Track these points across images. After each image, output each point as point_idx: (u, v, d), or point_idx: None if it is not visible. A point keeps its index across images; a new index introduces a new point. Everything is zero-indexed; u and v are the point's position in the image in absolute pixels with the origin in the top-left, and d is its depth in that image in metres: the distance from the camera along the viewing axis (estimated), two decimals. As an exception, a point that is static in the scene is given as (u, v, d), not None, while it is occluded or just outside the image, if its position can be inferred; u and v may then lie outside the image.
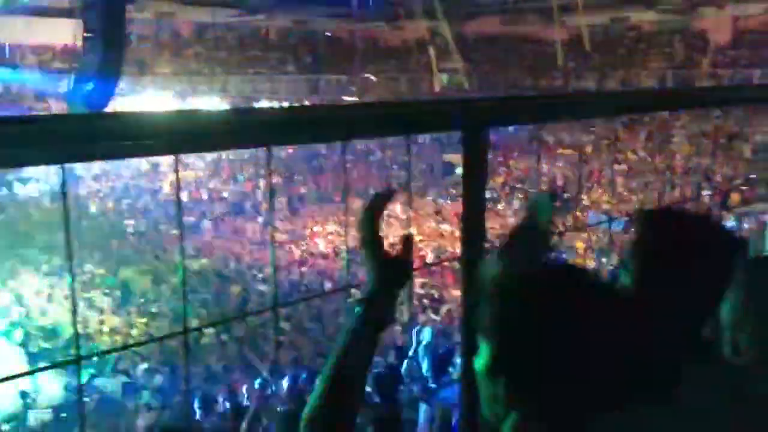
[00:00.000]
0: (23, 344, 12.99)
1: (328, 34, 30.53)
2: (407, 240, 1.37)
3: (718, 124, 20.66)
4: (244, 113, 1.39)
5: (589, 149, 22.91)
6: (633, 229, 1.52)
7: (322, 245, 19.20)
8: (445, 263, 15.31)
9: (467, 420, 1.62)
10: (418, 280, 15.21)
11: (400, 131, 1.55)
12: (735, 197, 17.21)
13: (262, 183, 23.31)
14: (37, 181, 20.92)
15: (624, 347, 1.05)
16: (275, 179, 22.99)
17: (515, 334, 1.06)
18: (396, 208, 21.73)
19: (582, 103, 1.96)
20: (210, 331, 12.16)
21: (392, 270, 1.33)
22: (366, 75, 25.65)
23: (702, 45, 25.53)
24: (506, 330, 1.07)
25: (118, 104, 19.20)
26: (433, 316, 13.68)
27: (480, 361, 1.11)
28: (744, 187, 17.55)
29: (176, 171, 1.17)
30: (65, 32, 17.29)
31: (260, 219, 21.18)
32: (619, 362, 1.05)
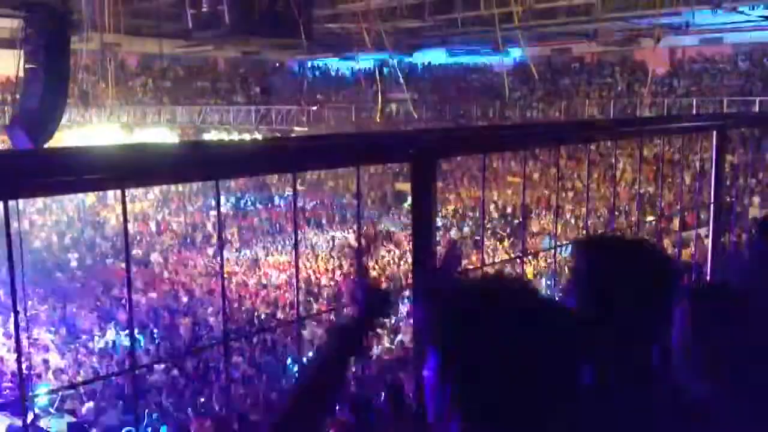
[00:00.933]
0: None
1: (278, 64, 30.62)
2: (395, 286, 1.43)
3: (658, 152, 21.35)
4: (193, 147, 1.39)
5: (536, 176, 23.39)
6: (573, 258, 1.55)
7: (274, 276, 19.00)
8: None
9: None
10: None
11: (350, 162, 1.57)
12: (677, 223, 17.70)
13: (212, 213, 23.05)
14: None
15: (556, 352, 1.10)
16: (225, 210, 22.75)
17: (457, 341, 1.11)
18: (347, 235, 21.80)
19: (526, 134, 2.02)
20: (160, 366, 11.86)
21: (378, 300, 1.43)
22: (316, 105, 25.75)
23: (642, 75, 26.48)
24: (448, 337, 1.12)
25: (64, 136, 18.82)
26: (388, 345, 13.64)
27: (426, 371, 1.16)
28: (686, 213, 18.08)
29: (123, 204, 1.16)
30: (6, 64, 16.88)
31: (210, 251, 20.88)
32: (554, 366, 1.10)
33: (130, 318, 1.59)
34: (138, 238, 20.81)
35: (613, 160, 18.67)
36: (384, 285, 1.48)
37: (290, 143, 1.46)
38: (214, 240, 21.41)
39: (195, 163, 1.31)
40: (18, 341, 1.24)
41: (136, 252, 19.72)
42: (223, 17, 16.98)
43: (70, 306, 16.28)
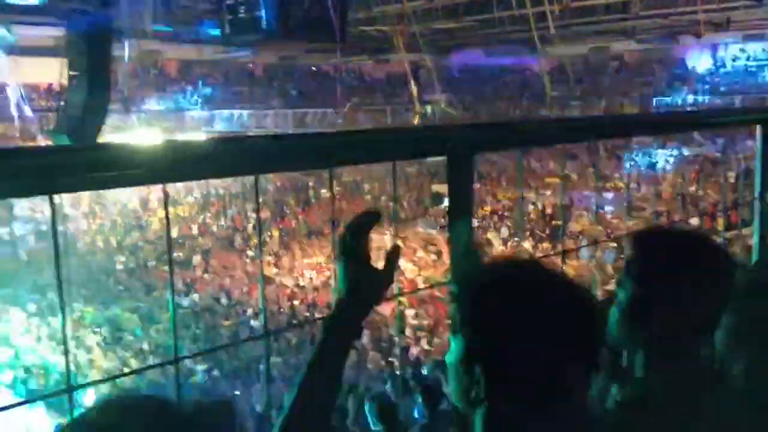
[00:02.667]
0: (12, 386, 12.80)
1: (314, 68, 30.82)
2: (392, 252, 1.39)
3: (702, 151, 20.96)
4: (232, 142, 1.41)
5: (575, 177, 23.08)
6: (627, 250, 1.55)
7: (312, 278, 19.12)
8: (439, 294, 15.26)
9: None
10: (410, 311, 15.15)
11: (385, 157, 1.57)
12: (720, 222, 17.31)
13: (251, 216, 23.29)
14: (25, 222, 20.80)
15: (579, 331, 1.13)
16: (264, 214, 22.96)
17: (483, 325, 1.14)
18: (384, 239, 21.71)
19: (565, 128, 1.99)
20: (201, 367, 12.04)
21: (366, 283, 1.34)
22: (352, 108, 25.87)
23: (683, 73, 25.96)
24: (475, 322, 1.15)
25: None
26: (426, 346, 13.61)
27: (452, 356, 1.19)
28: (729, 212, 17.66)
29: (165, 199, 1.17)
30: (51, 71, 17.34)
31: (250, 253, 21.11)
32: (580, 351, 1.13)
33: (173, 313, 1.60)
34: (179, 240, 21.13)
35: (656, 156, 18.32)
36: (378, 265, 1.35)
37: (327, 138, 1.47)
38: (254, 242, 21.63)
39: (234, 158, 1.33)
40: (65, 341, 1.26)
41: (177, 254, 20.03)
42: (260, 23, 17.17)
43: (114, 307, 16.63)
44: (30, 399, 11.68)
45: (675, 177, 21.62)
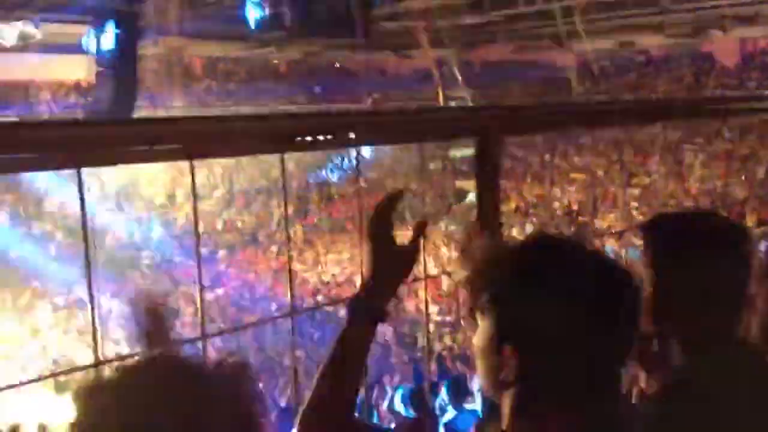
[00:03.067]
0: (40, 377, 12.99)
1: (337, 65, 30.85)
2: (417, 228, 1.37)
3: (729, 147, 20.61)
4: (259, 119, 1.40)
5: (600, 173, 22.83)
6: (644, 236, 1.51)
7: (336, 273, 19.18)
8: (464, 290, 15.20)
9: None
10: (433, 307, 15.12)
11: (412, 138, 1.56)
12: (750, 218, 17.05)
13: (276, 212, 23.41)
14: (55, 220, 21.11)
15: (616, 308, 1.07)
16: (287, 209, 23.06)
17: (515, 302, 1.09)
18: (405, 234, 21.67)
19: (594, 112, 1.95)
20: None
21: (391, 259, 1.33)
22: (374, 103, 25.83)
23: (710, 67, 25.54)
24: (506, 299, 1.10)
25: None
26: (449, 342, 13.58)
27: (479, 337, 1.15)
28: (759, 208, 17.38)
29: (192, 173, 1.16)
30: (78, 68, 17.58)
31: (274, 248, 21.24)
32: (618, 334, 1.08)
33: (202, 311, 1.60)
34: (205, 235, 21.32)
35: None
36: (404, 244, 1.34)
37: (355, 117, 1.45)
38: (277, 238, 21.75)
39: (261, 135, 1.32)
40: (95, 334, 1.26)
41: (203, 250, 20.17)
42: (285, 19, 17.23)
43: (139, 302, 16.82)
44: (57, 372, 11.88)
45: (702, 172, 21.30)
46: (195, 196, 1.15)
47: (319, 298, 17.02)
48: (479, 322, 1.15)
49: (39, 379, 8.85)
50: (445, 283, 16.95)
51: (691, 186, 21.38)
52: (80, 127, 1.14)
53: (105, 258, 18.17)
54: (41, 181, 21.48)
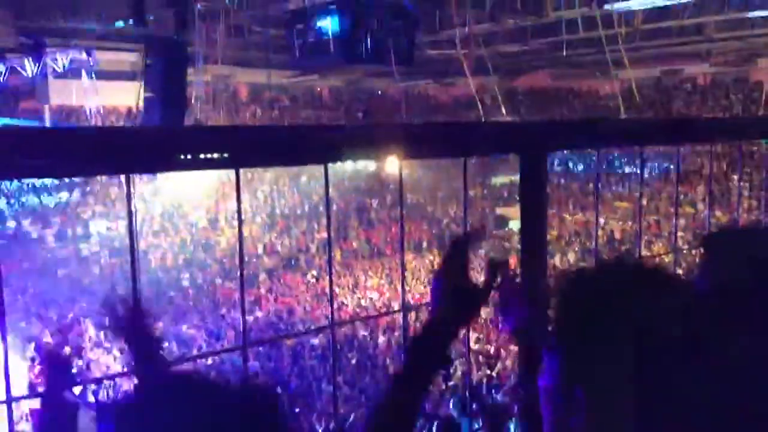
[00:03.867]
0: (82, 398, 13.18)
1: (379, 92, 31.15)
2: (493, 267, 1.28)
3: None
4: (304, 130, 1.41)
5: (645, 202, 22.45)
6: (704, 251, 1.45)
7: (373, 298, 19.15)
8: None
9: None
10: (472, 335, 14.94)
11: (458, 153, 1.54)
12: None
13: (317, 236, 23.57)
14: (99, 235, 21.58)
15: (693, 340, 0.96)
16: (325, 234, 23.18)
17: (584, 334, 0.96)
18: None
19: (643, 128, 1.92)
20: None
21: (463, 299, 1.25)
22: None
23: (759, 96, 25.06)
24: (573, 332, 0.97)
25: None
26: (488, 371, 13.38)
27: (546, 378, 1.02)
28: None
29: (237, 184, 1.17)
30: (128, 94, 18.06)
31: (314, 272, 21.35)
32: (691, 357, 0.95)
33: (244, 331, 1.60)
34: (246, 259, 21.55)
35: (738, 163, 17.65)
36: (478, 284, 1.25)
37: (399, 130, 1.45)
38: (317, 262, 21.85)
39: (307, 146, 1.32)
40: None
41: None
42: (329, 47, 17.48)
43: (181, 323, 17.03)
44: (92, 379, 12.11)
45: (750, 202, 20.77)
46: (239, 203, 1.14)
47: (357, 322, 16.99)
48: (545, 359, 1.04)
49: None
50: (483, 311, 16.74)
51: (738, 216, 20.85)
52: (128, 133, 1.15)
53: (147, 279, 18.49)
54: (89, 205, 22.04)
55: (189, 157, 1.18)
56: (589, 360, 0.96)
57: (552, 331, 1.03)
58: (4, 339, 1.03)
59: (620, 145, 1.97)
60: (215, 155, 1.22)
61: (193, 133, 1.21)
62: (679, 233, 20.88)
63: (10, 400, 1.05)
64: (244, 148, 1.25)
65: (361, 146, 1.40)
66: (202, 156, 1.20)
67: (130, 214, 1.12)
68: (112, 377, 11.62)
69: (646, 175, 20.93)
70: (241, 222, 1.20)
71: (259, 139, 1.28)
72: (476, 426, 5.90)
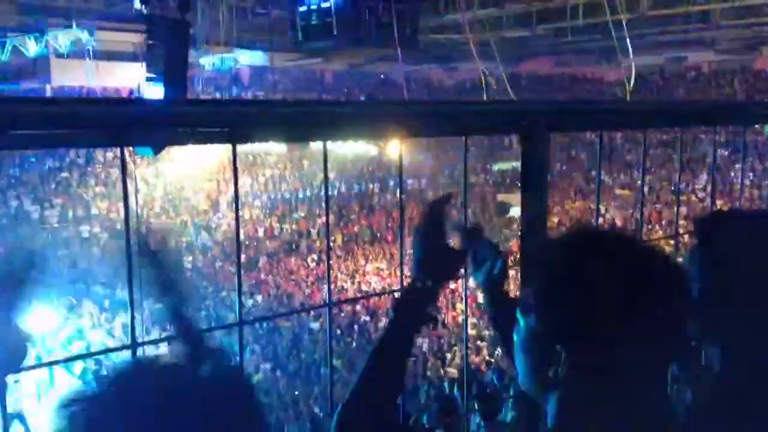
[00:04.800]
0: (83, 377, 13.26)
1: (382, 76, 31.04)
2: (469, 232, 1.36)
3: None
4: (304, 105, 1.39)
5: (646, 190, 22.40)
6: (697, 235, 1.44)
7: (373, 283, 19.18)
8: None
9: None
10: (470, 320, 14.97)
11: (456, 131, 1.52)
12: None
13: (318, 221, 23.57)
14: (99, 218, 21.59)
15: (667, 302, 1.02)
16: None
17: (571, 300, 1.01)
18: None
19: (648, 112, 1.89)
20: (266, 366, 12.19)
21: (441, 260, 1.30)
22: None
23: (763, 85, 24.95)
24: (560, 297, 1.02)
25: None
26: (488, 357, 13.43)
27: (522, 333, 1.08)
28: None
29: (233, 158, 1.15)
30: (130, 75, 18.00)
31: (314, 256, 21.37)
32: (666, 318, 1.01)
33: (239, 283, 1.59)
34: (246, 242, 21.56)
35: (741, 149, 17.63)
36: (456, 243, 1.33)
37: (400, 108, 1.43)
38: (317, 246, 21.87)
39: (305, 122, 1.30)
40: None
41: (244, 256, 20.38)
42: (332, 30, 17.37)
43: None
44: (95, 352, 12.12)
45: (751, 191, 20.74)
46: (236, 177, 1.13)
47: (357, 307, 17.02)
48: (520, 318, 1.09)
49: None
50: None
51: (741, 206, 20.81)
52: (125, 106, 1.14)
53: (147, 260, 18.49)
54: (90, 186, 22.04)
55: (187, 130, 1.17)
56: (567, 320, 1.01)
57: (527, 292, 1.09)
58: None
59: (624, 128, 1.96)
60: (214, 129, 1.21)
61: (191, 106, 1.20)
62: (681, 221, 20.87)
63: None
64: (241, 122, 1.23)
65: (362, 124, 1.39)
66: (199, 130, 1.19)
67: (125, 184, 1.11)
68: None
69: (648, 163, 20.87)
70: (238, 197, 1.19)
71: (257, 113, 1.26)
72: (475, 407, 5.94)
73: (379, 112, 1.44)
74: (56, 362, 13.60)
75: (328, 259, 1.42)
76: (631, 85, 19.45)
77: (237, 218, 1.19)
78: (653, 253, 1.08)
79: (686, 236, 1.92)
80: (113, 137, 1.07)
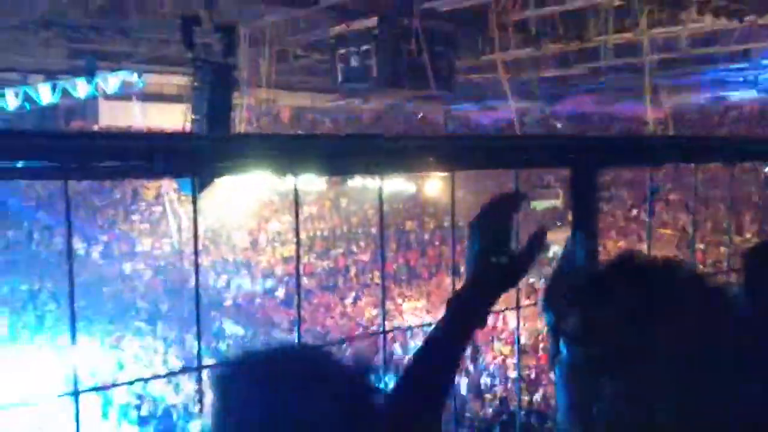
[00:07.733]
0: (124, 410, 13.40)
1: (420, 115, 31.30)
2: (535, 235, 1.26)
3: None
4: (357, 139, 1.43)
5: (690, 230, 21.96)
6: (745, 265, 1.42)
7: (410, 321, 19.07)
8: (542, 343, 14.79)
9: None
10: (510, 361, 14.75)
11: (507, 165, 1.54)
12: None
13: (355, 258, 23.62)
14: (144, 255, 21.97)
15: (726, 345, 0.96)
16: (365, 256, 23.20)
17: (620, 330, 0.96)
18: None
19: (702, 146, 1.87)
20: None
21: (497, 265, 1.23)
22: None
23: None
24: (609, 326, 0.97)
25: (225, 181, 20.20)
26: (526, 398, 13.17)
27: (564, 366, 1.03)
28: None
29: (295, 193, 1.19)
30: (174, 117, 18.48)
31: (352, 293, 21.39)
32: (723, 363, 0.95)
33: (300, 301, 1.61)
34: (285, 279, 21.69)
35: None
36: (519, 249, 1.23)
37: (448, 142, 1.45)
38: (355, 284, 21.88)
39: (358, 156, 1.34)
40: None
41: (280, 294, 20.53)
42: (371, 71, 17.63)
43: (222, 343, 17.23)
44: (159, 375, 12.19)
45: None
46: (297, 212, 1.16)
47: (396, 345, 16.89)
48: (563, 349, 1.04)
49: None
50: (524, 336, 16.54)
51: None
52: (190, 140, 1.19)
53: (188, 296, 18.73)
54: (134, 223, 22.51)
55: (250, 161, 1.22)
56: (617, 351, 0.96)
57: (572, 322, 1.02)
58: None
59: (675, 163, 1.94)
60: (268, 161, 1.25)
61: (247, 139, 1.25)
62: (724, 262, 20.36)
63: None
64: (300, 154, 1.27)
65: (413, 157, 1.41)
66: (259, 161, 1.23)
67: (195, 212, 1.15)
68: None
69: (691, 203, 20.51)
70: (298, 230, 1.22)
71: (311, 147, 1.30)
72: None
73: (430, 145, 1.46)
74: (118, 384, 13.75)
75: (383, 284, 1.44)
76: (671, 125, 19.28)
77: (297, 253, 1.21)
78: (704, 283, 1.05)
79: (733, 273, 1.90)
80: (182, 170, 1.12)
